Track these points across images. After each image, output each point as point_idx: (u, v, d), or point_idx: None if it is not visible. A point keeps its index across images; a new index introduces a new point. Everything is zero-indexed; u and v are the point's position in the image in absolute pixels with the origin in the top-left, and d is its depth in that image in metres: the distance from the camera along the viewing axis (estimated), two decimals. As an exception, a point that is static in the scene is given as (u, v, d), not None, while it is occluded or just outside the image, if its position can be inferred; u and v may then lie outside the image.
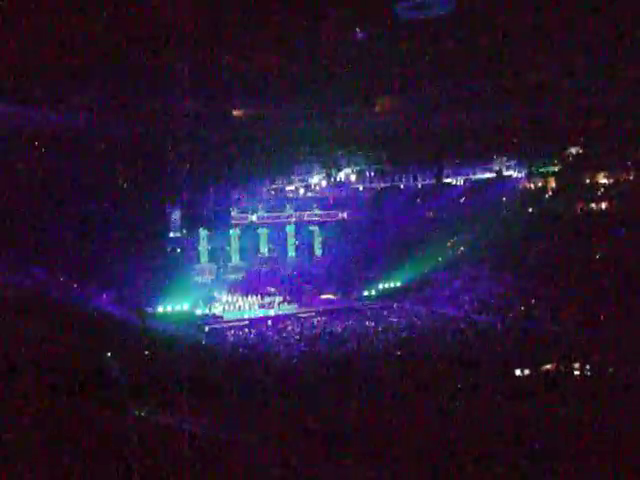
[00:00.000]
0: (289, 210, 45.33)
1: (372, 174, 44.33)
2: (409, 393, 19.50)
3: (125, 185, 37.91)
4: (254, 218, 44.06)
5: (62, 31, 25.62)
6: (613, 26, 28.36)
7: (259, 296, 40.86)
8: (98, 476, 11.10)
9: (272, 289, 42.01)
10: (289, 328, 34.02)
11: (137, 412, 15.81)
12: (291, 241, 46.02)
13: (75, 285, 33.20)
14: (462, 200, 45.16)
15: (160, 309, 36.25)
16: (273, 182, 43.01)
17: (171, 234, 40.82)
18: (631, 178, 39.19)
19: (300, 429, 15.70)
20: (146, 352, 23.58)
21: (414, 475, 12.71)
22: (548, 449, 14.02)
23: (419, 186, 45.18)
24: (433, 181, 44.48)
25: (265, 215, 44.46)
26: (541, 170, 42.71)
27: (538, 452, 13.97)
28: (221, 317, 38.14)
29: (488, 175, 43.52)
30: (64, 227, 34.83)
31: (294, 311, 39.52)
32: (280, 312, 39.16)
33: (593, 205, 39.99)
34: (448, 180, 44.60)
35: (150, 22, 26.18)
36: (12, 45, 25.55)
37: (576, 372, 22.24)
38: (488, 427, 15.72)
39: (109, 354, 21.02)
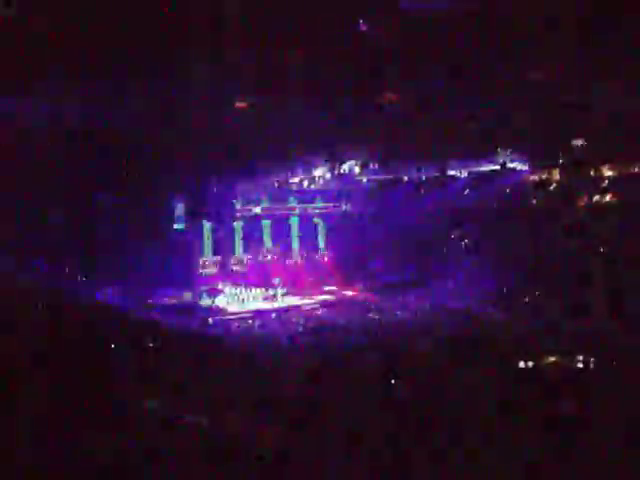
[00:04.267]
0: (293, 202, 45.31)
1: (376, 166, 44.23)
2: (413, 385, 19.50)
3: (128, 177, 37.88)
4: (258, 210, 44.04)
5: (64, 19, 25.53)
6: (620, 18, 28.21)
7: (263, 288, 40.96)
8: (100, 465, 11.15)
9: (276, 281, 42.08)
10: (293, 320, 34.09)
11: (141, 403, 15.84)
12: (295, 233, 46.05)
13: (78, 277, 33.28)
14: (466, 192, 45.07)
15: (163, 301, 36.33)
16: (277, 174, 42.93)
17: (175, 226, 40.85)
18: (637, 170, 39.02)
19: (304, 421, 15.71)
20: (150, 344, 23.63)
21: (415, 468, 12.71)
22: (551, 441, 14.02)
23: (423, 178, 45.04)
24: (437, 173, 44.33)
25: (269, 207, 44.43)
26: (545, 163, 42.53)
27: (541, 444, 13.96)
28: (225, 309, 38.24)
29: (492, 167, 43.35)
30: (67, 219, 34.86)
31: (298, 303, 39.62)
32: (284, 304, 39.26)
33: (598, 197, 39.84)
34: (452, 172, 44.46)
35: (154, 12, 26.09)
36: (17, 38, 25.50)
37: (580, 365, 22.23)
38: (492, 419, 15.71)
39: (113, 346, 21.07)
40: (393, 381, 19.71)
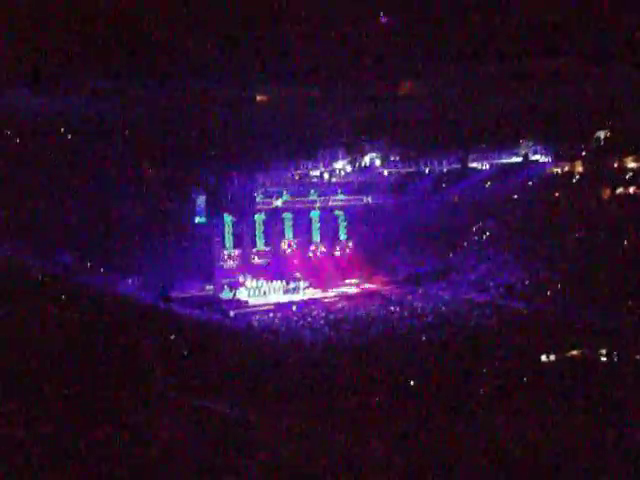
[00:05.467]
0: (314, 195, 45.31)
1: (397, 158, 44.10)
2: (434, 378, 19.49)
3: (150, 171, 38.14)
4: (279, 203, 44.08)
5: (82, 14, 25.71)
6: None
7: (284, 281, 41.01)
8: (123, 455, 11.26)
9: (297, 274, 42.14)
10: (314, 312, 34.11)
11: (164, 395, 15.96)
12: (316, 226, 46.04)
13: (101, 270, 33.54)
14: (488, 185, 44.84)
15: (185, 294, 36.53)
16: (298, 167, 42.93)
17: (196, 220, 41.02)
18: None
19: (325, 413, 15.77)
20: (172, 336, 23.77)
21: (434, 462, 12.70)
22: (573, 436, 13.96)
23: (444, 170, 44.85)
24: (458, 165, 44.14)
25: (290, 200, 44.45)
26: (568, 154, 42.25)
27: (563, 438, 13.90)
28: (246, 302, 38.36)
29: (514, 159, 43.09)
30: (89, 212, 35.14)
31: (319, 296, 39.66)
32: (305, 297, 39.31)
33: (621, 189, 39.52)
34: (473, 164, 44.23)
35: (172, 6, 26.22)
36: (33, 31, 25.70)
37: (603, 358, 22.10)
38: (513, 412, 15.68)
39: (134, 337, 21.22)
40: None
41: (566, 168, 42.60)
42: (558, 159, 42.60)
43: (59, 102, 31.14)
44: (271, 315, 34.30)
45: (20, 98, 29.63)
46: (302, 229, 45.62)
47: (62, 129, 33.68)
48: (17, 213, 31.87)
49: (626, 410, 15.22)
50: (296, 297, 39.21)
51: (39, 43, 26.29)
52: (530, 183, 43.33)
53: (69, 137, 34.04)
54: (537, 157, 42.79)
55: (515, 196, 43.42)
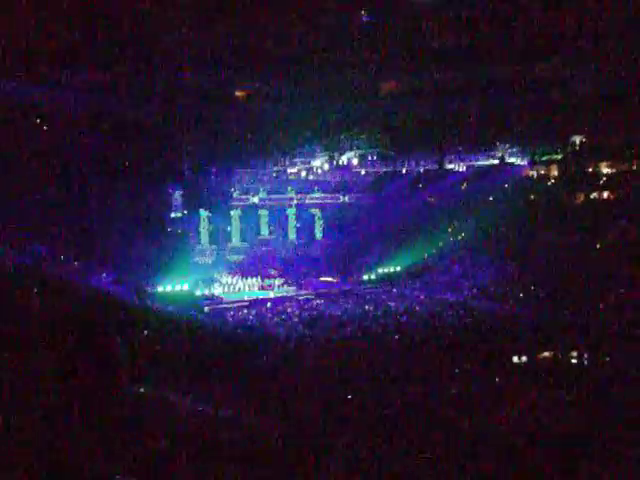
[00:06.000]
0: (290, 192, 45.29)
1: (374, 158, 44.20)
2: (406, 377, 19.58)
3: (127, 164, 37.84)
4: (255, 200, 44.01)
5: (62, 7, 25.50)
6: (618, 14, 28.26)
7: (259, 278, 40.94)
8: (99, 452, 11.21)
9: (272, 271, 42.08)
10: (288, 310, 34.08)
11: (137, 390, 15.90)
12: (292, 223, 46.04)
13: (75, 264, 33.23)
14: (464, 186, 45.13)
15: (160, 289, 36.30)
16: (275, 164, 42.89)
17: (172, 214, 40.80)
18: (634, 168, 39.19)
19: (298, 410, 15.78)
20: (145, 332, 23.64)
21: (406, 459, 12.78)
22: (543, 436, 14.09)
23: (421, 171, 45.04)
24: (435, 166, 44.36)
25: (266, 197, 44.40)
26: (544, 158, 42.67)
27: (533, 439, 14.03)
28: (221, 298, 38.22)
29: (490, 162, 43.41)
30: (64, 205, 34.79)
31: (294, 293, 39.61)
32: (280, 294, 39.25)
33: (595, 194, 39.99)
34: (450, 166, 44.48)
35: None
36: (13, 23, 25.44)
37: (573, 360, 22.33)
38: (484, 413, 15.80)
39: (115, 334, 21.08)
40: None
41: (542, 171, 43.01)
42: (534, 163, 43.02)
43: (34, 92, 30.82)
44: (245, 311, 34.22)
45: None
46: (278, 226, 45.62)
47: (38, 120, 33.32)
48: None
49: (597, 411, 15.41)
50: (271, 294, 39.15)
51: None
52: (506, 185, 43.67)
53: (45, 128, 33.67)
54: (513, 160, 43.16)
55: (490, 198, 43.73)
